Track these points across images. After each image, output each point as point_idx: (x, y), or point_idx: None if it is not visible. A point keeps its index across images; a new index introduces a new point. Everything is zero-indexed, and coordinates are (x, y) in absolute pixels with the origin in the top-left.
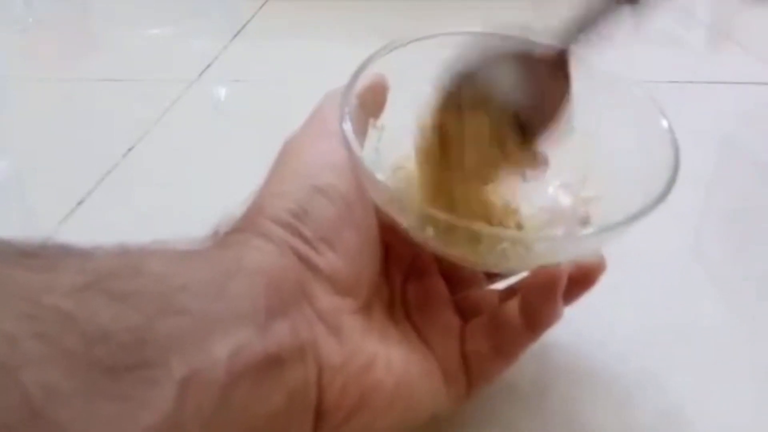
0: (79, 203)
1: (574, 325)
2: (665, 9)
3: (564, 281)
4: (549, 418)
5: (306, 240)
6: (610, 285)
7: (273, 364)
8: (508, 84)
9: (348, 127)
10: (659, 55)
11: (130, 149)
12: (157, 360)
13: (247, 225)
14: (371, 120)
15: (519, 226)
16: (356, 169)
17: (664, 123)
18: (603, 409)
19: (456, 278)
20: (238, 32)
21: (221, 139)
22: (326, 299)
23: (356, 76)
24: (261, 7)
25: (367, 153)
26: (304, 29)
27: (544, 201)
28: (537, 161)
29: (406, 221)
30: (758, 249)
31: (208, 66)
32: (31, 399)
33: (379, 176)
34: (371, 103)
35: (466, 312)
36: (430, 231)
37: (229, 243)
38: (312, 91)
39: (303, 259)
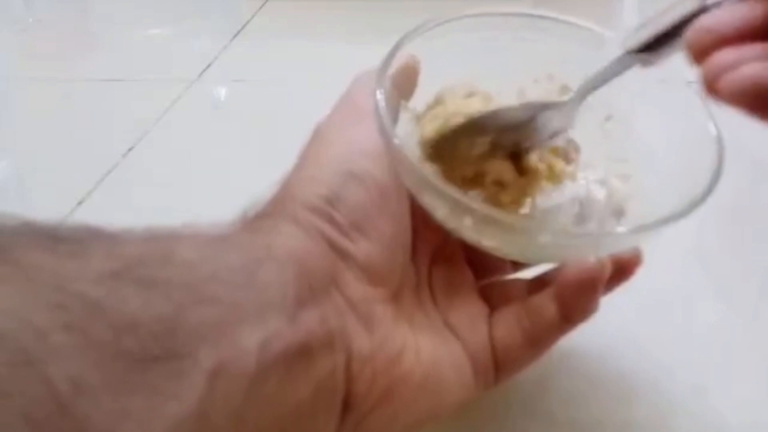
0: (79, 203)
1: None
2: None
3: (606, 275)
4: (550, 419)
5: (339, 227)
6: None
7: (302, 353)
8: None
9: (383, 110)
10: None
11: (130, 149)
12: (187, 350)
13: (277, 209)
14: (403, 102)
15: (553, 218)
16: (391, 153)
17: (711, 122)
18: (603, 409)
19: (482, 265)
20: (238, 32)
21: (221, 139)
22: (358, 288)
23: (390, 57)
24: (261, 7)
25: (399, 137)
26: (304, 29)
27: (577, 192)
28: (568, 148)
29: (439, 209)
30: (758, 249)
31: (208, 66)
32: (58, 393)
33: (414, 161)
34: (404, 84)
35: (491, 299)
36: (466, 220)
37: (259, 228)
38: (312, 91)
39: (335, 247)
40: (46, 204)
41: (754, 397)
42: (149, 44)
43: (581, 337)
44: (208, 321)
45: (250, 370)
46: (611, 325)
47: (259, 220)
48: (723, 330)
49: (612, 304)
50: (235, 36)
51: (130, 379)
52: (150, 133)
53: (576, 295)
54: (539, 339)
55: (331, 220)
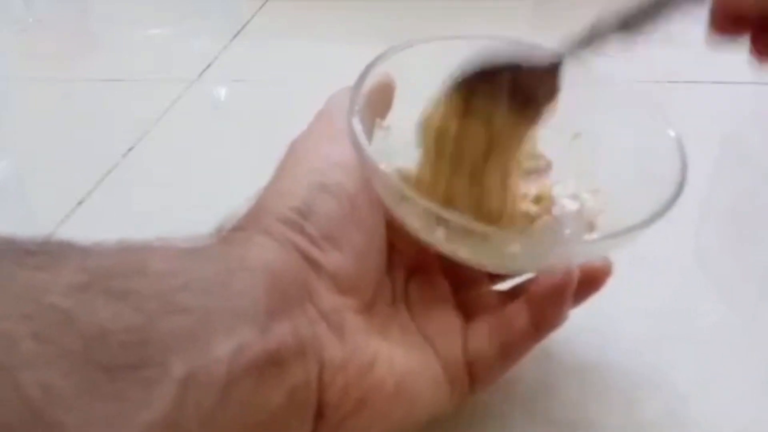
0: (79, 203)
1: (575, 325)
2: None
3: (574, 284)
4: (551, 419)
5: (310, 238)
6: (610, 285)
7: (274, 363)
8: (504, 89)
9: (357, 124)
10: (659, 55)
11: (130, 149)
12: (157, 359)
13: (250, 223)
14: (378, 120)
15: (526, 228)
16: (364, 166)
17: (670, 128)
18: (605, 410)
19: (458, 277)
20: (238, 32)
21: (221, 139)
22: (329, 298)
23: (364, 74)
24: (261, 7)
25: (373, 153)
26: (304, 29)
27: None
28: (540, 165)
29: (413, 221)
30: (758, 249)
31: (208, 66)
32: (30, 399)
33: (387, 173)
34: (379, 102)
35: (468, 311)
36: (439, 231)
37: (232, 240)
38: (312, 91)
39: (306, 257)
40: (46, 204)
41: (755, 397)
42: (149, 44)
43: (581, 338)
44: (179, 330)
45: (221, 379)
46: (611, 326)
47: (233, 234)
48: (723, 331)
49: (612, 305)
50: (235, 36)
51: (101, 386)
52: (150, 133)
53: (546, 304)
54: (512, 349)
55: (303, 231)
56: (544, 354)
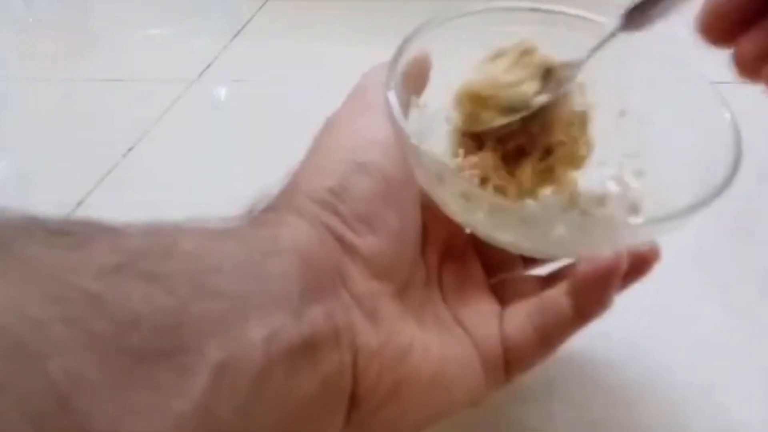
0: (79, 203)
1: None
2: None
3: (623, 268)
4: (554, 419)
5: (344, 219)
6: None
7: (308, 348)
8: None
9: (394, 100)
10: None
11: (130, 149)
12: (192, 345)
13: (283, 203)
14: (413, 97)
15: (570, 210)
16: (401, 144)
17: (726, 113)
18: (605, 410)
19: (493, 262)
20: (238, 32)
21: (221, 139)
22: (363, 283)
23: (401, 50)
24: (261, 7)
25: (411, 129)
26: (304, 29)
27: (591, 186)
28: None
29: (452, 202)
30: (758, 249)
31: (208, 66)
32: (58, 387)
33: (426, 151)
34: (415, 79)
35: (503, 296)
36: (479, 213)
37: (263, 221)
38: (312, 91)
39: (340, 240)
40: (46, 204)
41: (756, 398)
42: (149, 44)
43: (583, 341)
44: (213, 315)
45: (256, 365)
46: (613, 328)
47: (265, 214)
48: (725, 332)
49: (614, 307)
50: (235, 36)
51: (133, 375)
52: (150, 133)
53: (592, 289)
54: (551, 335)
55: (337, 212)
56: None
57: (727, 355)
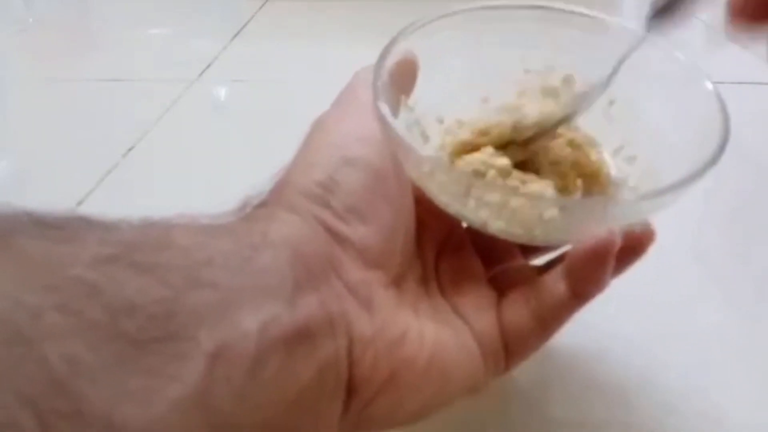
0: (79, 203)
1: (575, 325)
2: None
3: (616, 246)
4: (550, 419)
5: (335, 212)
6: (610, 285)
7: (303, 337)
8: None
9: (382, 99)
10: (699, 61)
11: (130, 149)
12: (186, 333)
13: (274, 198)
14: (402, 97)
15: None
16: (391, 140)
17: (713, 95)
18: (604, 409)
19: (491, 254)
20: (238, 32)
21: (221, 139)
22: (356, 272)
23: (387, 50)
24: (261, 7)
25: (399, 128)
26: (304, 29)
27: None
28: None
29: (443, 193)
30: (758, 249)
31: (208, 66)
32: (54, 372)
33: (413, 144)
34: (402, 79)
35: (501, 287)
36: (470, 202)
37: (255, 217)
38: (312, 91)
39: (331, 231)
40: (46, 204)
41: (755, 398)
42: (149, 44)
43: (581, 338)
44: (206, 305)
45: (251, 353)
46: (611, 326)
47: (256, 210)
48: (723, 331)
49: (612, 305)
50: (235, 36)
51: (129, 360)
52: (150, 133)
53: (586, 269)
54: (548, 319)
55: (327, 205)
56: (545, 355)
57: (725, 354)
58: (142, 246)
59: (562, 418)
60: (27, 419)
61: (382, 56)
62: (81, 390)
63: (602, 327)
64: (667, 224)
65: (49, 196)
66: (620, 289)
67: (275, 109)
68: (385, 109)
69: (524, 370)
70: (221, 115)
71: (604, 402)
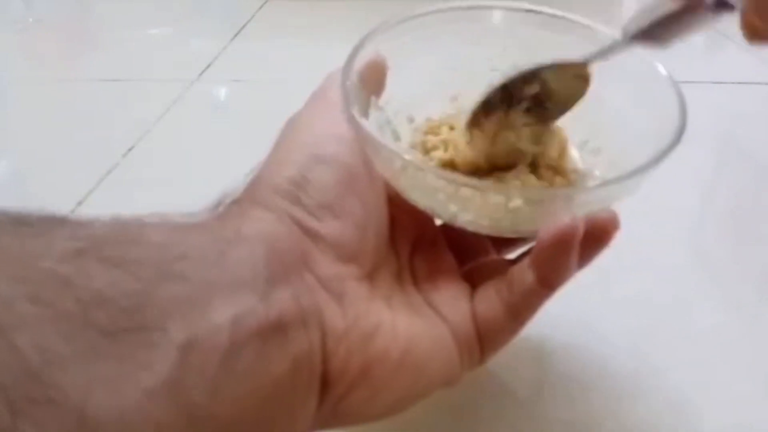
0: (79, 203)
1: (574, 326)
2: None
3: (580, 232)
4: (549, 419)
5: (306, 208)
6: (609, 285)
7: (275, 330)
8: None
9: (351, 97)
10: (659, 55)
11: (130, 149)
12: (157, 324)
13: (247, 196)
14: (372, 98)
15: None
16: (361, 139)
17: (663, 71)
18: (603, 409)
19: (464, 250)
20: (238, 32)
21: (221, 139)
22: (328, 266)
23: (355, 51)
24: (261, 7)
25: (369, 126)
26: (304, 29)
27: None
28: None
29: (413, 189)
30: (758, 249)
31: (208, 66)
32: (27, 360)
33: (382, 140)
34: (371, 80)
35: (474, 280)
36: (439, 195)
37: (228, 214)
38: (312, 91)
39: (303, 227)
40: (46, 204)
41: (753, 397)
42: (149, 44)
43: (580, 339)
44: (177, 298)
45: (223, 345)
46: (609, 326)
47: (230, 208)
48: (722, 331)
49: (612, 304)
50: (235, 36)
51: (100, 348)
52: (150, 133)
53: (551, 257)
54: (520, 308)
55: (299, 202)
56: (542, 356)
57: (724, 354)
58: (113, 241)
59: (558, 418)
60: None
61: (350, 58)
62: (53, 378)
63: (601, 326)
64: (667, 224)
65: (49, 196)
66: (620, 289)
67: (275, 109)
68: (354, 109)
69: (523, 370)
70: (221, 115)
71: (602, 402)
